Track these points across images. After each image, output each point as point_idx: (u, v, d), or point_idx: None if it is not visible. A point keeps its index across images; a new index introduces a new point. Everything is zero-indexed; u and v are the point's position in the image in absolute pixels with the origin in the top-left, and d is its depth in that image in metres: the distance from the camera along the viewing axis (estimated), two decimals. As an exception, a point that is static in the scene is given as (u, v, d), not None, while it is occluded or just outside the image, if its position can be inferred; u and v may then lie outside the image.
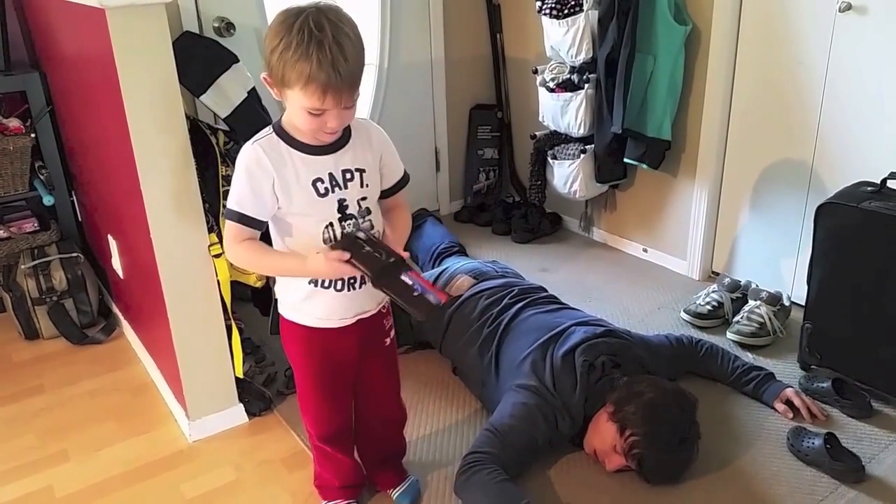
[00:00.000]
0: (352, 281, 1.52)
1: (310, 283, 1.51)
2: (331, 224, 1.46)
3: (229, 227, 1.45)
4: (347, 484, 1.78)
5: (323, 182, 1.44)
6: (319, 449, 1.74)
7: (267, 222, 1.47)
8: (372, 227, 1.51)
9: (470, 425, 2.11)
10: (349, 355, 1.61)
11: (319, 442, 1.72)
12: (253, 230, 1.45)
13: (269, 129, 1.45)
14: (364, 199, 1.49)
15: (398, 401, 1.81)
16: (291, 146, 1.42)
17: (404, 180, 1.60)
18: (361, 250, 1.41)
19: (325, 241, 1.45)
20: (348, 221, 1.47)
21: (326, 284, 1.51)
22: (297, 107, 1.35)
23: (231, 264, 1.93)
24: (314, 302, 1.53)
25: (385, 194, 1.57)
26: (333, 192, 1.45)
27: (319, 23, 1.27)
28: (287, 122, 1.43)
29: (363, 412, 1.76)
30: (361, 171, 1.48)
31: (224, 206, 1.99)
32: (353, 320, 1.57)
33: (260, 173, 1.40)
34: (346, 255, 1.39)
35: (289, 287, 1.56)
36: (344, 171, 1.46)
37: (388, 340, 1.69)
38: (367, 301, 1.57)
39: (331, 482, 1.79)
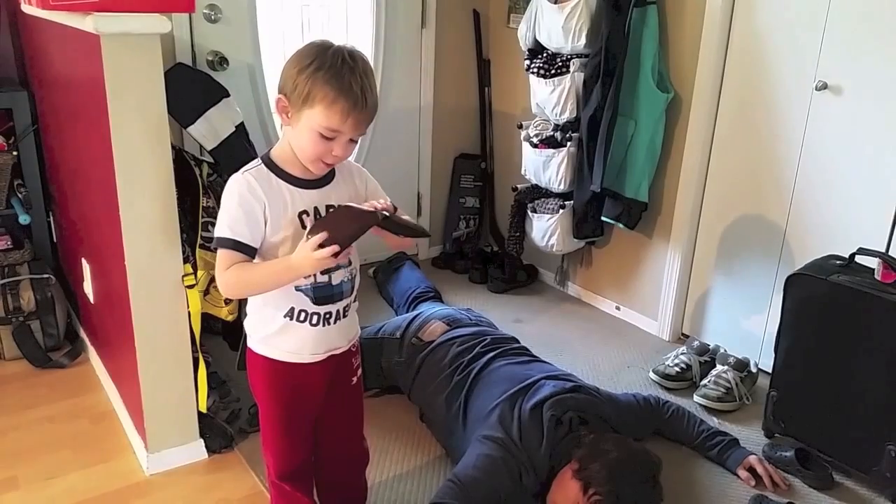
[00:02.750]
0: (327, 316, 1.52)
1: (285, 316, 1.50)
2: None
3: (221, 256, 1.42)
4: None
5: (308, 215, 1.45)
6: (278, 487, 1.71)
7: (257, 250, 1.44)
8: (349, 263, 1.52)
9: (434, 473, 2.09)
10: (316, 390, 1.60)
11: (278, 479, 1.68)
12: (245, 256, 1.42)
13: (257, 161, 1.46)
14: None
15: (361, 440, 1.78)
16: (280, 178, 1.44)
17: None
18: (344, 232, 1.37)
19: (304, 276, 1.45)
20: None
21: (302, 319, 1.50)
22: (310, 127, 1.36)
23: (204, 296, 1.92)
24: (287, 336, 1.52)
25: None
26: None
27: (352, 55, 1.36)
28: (277, 155, 1.44)
29: (324, 450, 1.73)
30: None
31: (202, 238, 1.99)
32: (325, 356, 1.56)
33: (252, 199, 1.41)
34: (335, 249, 1.35)
35: (262, 320, 1.55)
36: (328, 207, 1.47)
37: (354, 379, 1.68)
38: (339, 337, 1.57)
39: None
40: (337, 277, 1.50)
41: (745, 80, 2.55)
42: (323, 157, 1.40)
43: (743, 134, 2.59)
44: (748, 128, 2.57)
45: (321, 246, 1.34)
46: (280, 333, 1.52)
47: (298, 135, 1.40)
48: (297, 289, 1.47)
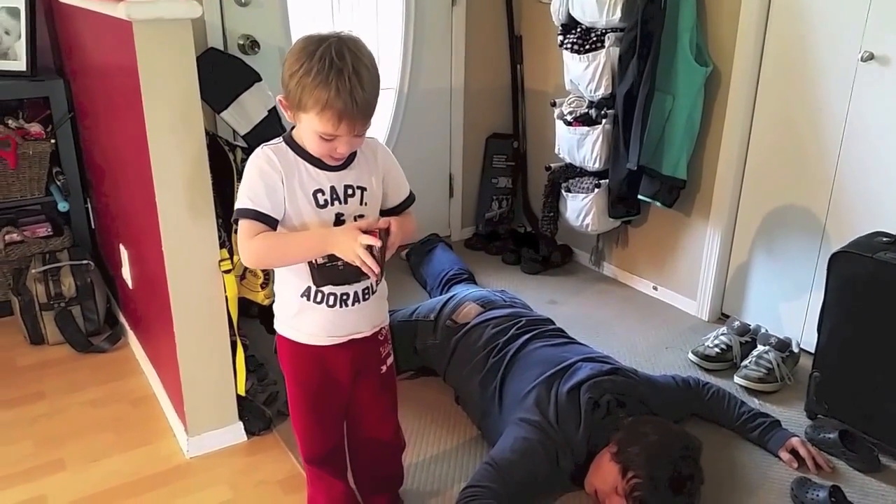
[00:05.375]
0: (344, 297, 1.51)
1: (301, 296, 1.51)
2: None
3: (242, 226, 1.42)
4: None
5: (323, 194, 1.45)
6: (309, 469, 1.73)
7: (278, 221, 1.44)
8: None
9: (470, 456, 2.09)
10: (341, 376, 1.60)
11: (307, 462, 1.71)
12: (267, 226, 1.42)
13: (279, 139, 1.47)
14: (361, 216, 1.49)
15: (395, 429, 1.78)
16: (299, 155, 1.44)
17: (409, 200, 1.61)
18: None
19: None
20: None
21: (319, 299, 1.51)
22: (309, 131, 1.37)
23: (241, 280, 1.93)
24: (305, 317, 1.53)
25: (390, 212, 1.58)
26: (332, 205, 1.46)
27: (341, 52, 1.30)
28: (298, 135, 1.45)
29: (356, 437, 1.74)
30: (363, 188, 1.49)
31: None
32: (345, 339, 1.56)
33: (271, 170, 1.42)
34: (378, 243, 1.35)
35: (282, 302, 1.56)
36: (346, 187, 1.47)
37: (384, 368, 1.68)
38: (360, 322, 1.57)
39: None
40: None
41: (787, 52, 2.47)
42: (329, 154, 1.41)
43: (784, 108, 2.51)
44: (790, 101, 2.49)
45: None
46: (299, 315, 1.53)
47: (303, 133, 1.41)
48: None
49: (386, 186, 1.55)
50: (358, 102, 1.31)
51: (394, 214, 1.57)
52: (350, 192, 1.47)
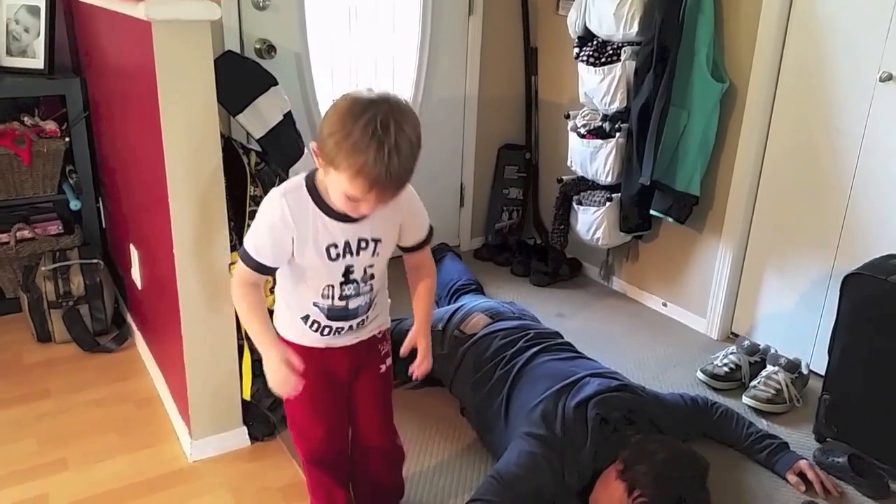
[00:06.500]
0: (339, 329, 1.56)
1: (301, 318, 1.54)
2: (331, 286, 1.49)
3: (241, 269, 1.48)
4: None
5: (336, 248, 1.45)
6: (310, 473, 1.73)
7: (276, 269, 1.49)
8: (371, 289, 1.54)
9: (474, 469, 2.07)
10: (339, 369, 1.61)
11: (308, 463, 1.71)
12: (263, 277, 1.49)
13: (300, 181, 1.44)
14: (371, 266, 1.51)
15: (393, 435, 1.78)
16: (318, 206, 1.43)
17: (428, 239, 1.61)
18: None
19: (322, 297, 1.50)
20: (349, 285, 1.50)
21: (315, 329, 1.55)
22: (337, 188, 1.34)
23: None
24: (304, 334, 1.57)
25: (408, 249, 1.60)
26: (344, 257, 1.47)
27: (386, 122, 1.25)
28: (320, 180, 1.42)
29: (357, 441, 1.74)
30: (377, 240, 1.49)
31: (249, 227, 2.00)
32: (341, 346, 1.60)
33: (283, 228, 1.42)
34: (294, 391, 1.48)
35: (280, 314, 1.59)
36: (360, 240, 1.47)
37: (383, 367, 1.68)
38: (358, 336, 1.60)
39: None
40: (354, 303, 1.53)
41: (804, 70, 2.45)
42: (350, 212, 1.39)
43: (800, 126, 2.50)
44: (806, 119, 2.48)
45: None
46: (297, 330, 1.57)
47: (329, 185, 1.37)
48: (315, 304, 1.51)
49: (404, 229, 1.55)
50: (392, 175, 1.27)
51: (408, 251, 1.60)
52: (364, 244, 1.47)
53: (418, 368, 1.63)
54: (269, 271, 1.47)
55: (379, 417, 1.73)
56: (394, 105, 1.28)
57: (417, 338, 1.62)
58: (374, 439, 1.74)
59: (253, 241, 1.45)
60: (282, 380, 1.47)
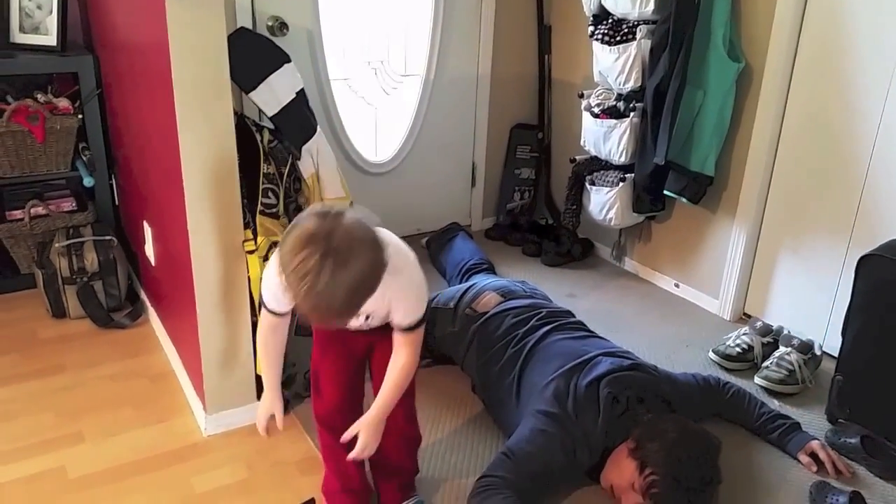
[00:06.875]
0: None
1: None
2: None
3: (262, 312, 1.63)
4: (349, 488, 1.79)
5: None
6: (322, 437, 1.77)
7: (290, 311, 1.61)
8: (370, 321, 1.59)
9: (486, 446, 2.08)
10: (354, 345, 1.69)
11: (321, 425, 1.76)
12: (279, 318, 1.63)
13: None
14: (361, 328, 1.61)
15: (409, 415, 1.79)
16: None
17: (413, 327, 1.58)
18: None
19: None
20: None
21: None
22: None
23: (264, 261, 1.94)
24: None
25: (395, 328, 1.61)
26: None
27: (318, 267, 1.25)
28: None
29: None
30: (368, 315, 1.55)
31: (262, 205, 2.01)
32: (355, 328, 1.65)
33: (277, 285, 1.41)
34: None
35: None
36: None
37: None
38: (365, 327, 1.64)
39: (333, 485, 1.80)
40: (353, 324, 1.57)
41: (822, 51, 2.42)
42: None
43: (817, 107, 2.47)
44: (823, 100, 2.45)
45: None
46: None
47: None
48: None
49: (392, 312, 1.56)
50: (320, 314, 1.35)
51: (395, 331, 1.60)
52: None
53: (353, 455, 1.61)
54: (282, 314, 1.62)
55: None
56: (335, 244, 1.27)
57: (361, 427, 1.60)
58: (392, 420, 1.71)
59: (264, 288, 1.61)
60: (259, 419, 1.71)
